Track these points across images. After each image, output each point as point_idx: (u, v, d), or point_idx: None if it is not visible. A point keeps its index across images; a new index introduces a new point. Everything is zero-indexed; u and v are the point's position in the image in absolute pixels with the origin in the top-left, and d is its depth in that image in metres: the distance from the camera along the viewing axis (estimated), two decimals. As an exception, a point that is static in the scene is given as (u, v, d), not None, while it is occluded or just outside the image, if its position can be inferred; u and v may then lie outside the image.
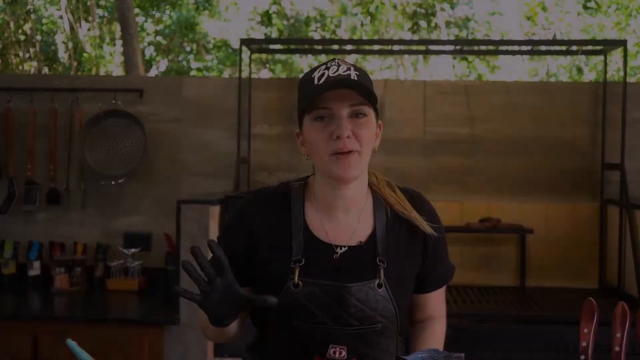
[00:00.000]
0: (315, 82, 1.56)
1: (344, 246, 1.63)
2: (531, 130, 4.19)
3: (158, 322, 3.44)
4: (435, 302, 1.81)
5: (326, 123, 1.56)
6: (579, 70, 8.93)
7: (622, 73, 4.23)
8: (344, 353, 1.60)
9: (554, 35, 9.52)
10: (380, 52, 4.90)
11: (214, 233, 3.45)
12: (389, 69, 9.57)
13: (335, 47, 4.69)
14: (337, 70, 1.56)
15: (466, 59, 9.93)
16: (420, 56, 9.50)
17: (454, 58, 9.83)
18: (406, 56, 9.72)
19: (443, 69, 9.78)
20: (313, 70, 1.61)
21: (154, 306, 3.71)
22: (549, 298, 3.85)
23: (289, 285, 1.59)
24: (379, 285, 1.60)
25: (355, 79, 1.56)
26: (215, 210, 3.48)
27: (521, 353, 3.38)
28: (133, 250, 3.99)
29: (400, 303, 1.66)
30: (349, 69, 1.57)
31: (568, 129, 4.18)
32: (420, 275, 1.73)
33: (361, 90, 1.54)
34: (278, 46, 4.78)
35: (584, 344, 1.72)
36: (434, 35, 10.29)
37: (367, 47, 4.94)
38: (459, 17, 10.13)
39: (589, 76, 8.84)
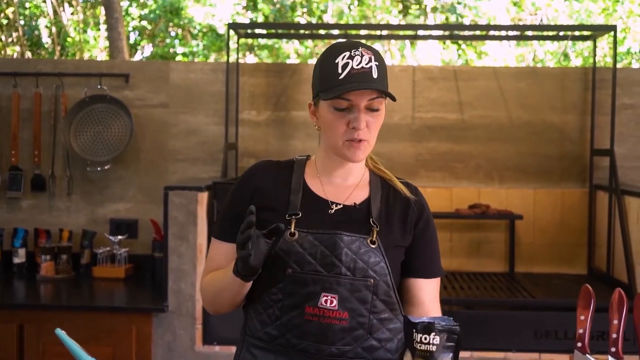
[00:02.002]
0: (339, 71, 1.64)
1: (340, 204, 1.74)
2: (520, 116, 4.18)
3: (146, 309, 3.41)
4: (428, 298, 1.81)
5: (345, 113, 1.67)
6: (566, 57, 8.91)
7: (608, 59, 4.23)
8: (334, 302, 1.64)
9: (541, 20, 9.50)
10: (367, 37, 4.86)
11: (202, 220, 3.42)
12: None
13: (323, 32, 4.65)
14: (360, 62, 1.65)
15: (457, 43, 9.86)
16: (408, 42, 9.46)
17: (443, 43, 9.78)
18: (393, 42, 9.70)
19: (431, 54, 9.73)
20: (336, 52, 1.68)
21: (141, 293, 3.68)
22: (538, 284, 3.85)
23: (286, 235, 1.67)
24: (372, 242, 1.68)
25: (376, 74, 1.65)
26: (203, 197, 3.44)
27: (510, 339, 3.38)
28: (119, 237, 3.97)
29: (393, 267, 1.71)
30: (370, 60, 1.65)
31: (557, 115, 4.17)
32: (409, 253, 1.78)
33: (381, 88, 1.65)
34: (264, 31, 4.73)
35: (580, 331, 1.71)
36: (421, 21, 10.25)
37: (354, 32, 4.90)
38: (446, 3, 10.07)
39: (576, 62, 8.84)
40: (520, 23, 9.55)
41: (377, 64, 1.67)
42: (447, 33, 4.49)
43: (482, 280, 3.95)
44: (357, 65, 1.64)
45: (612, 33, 3.94)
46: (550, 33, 4.53)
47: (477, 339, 3.38)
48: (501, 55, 9.47)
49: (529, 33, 4.71)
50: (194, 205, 3.40)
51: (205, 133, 4.18)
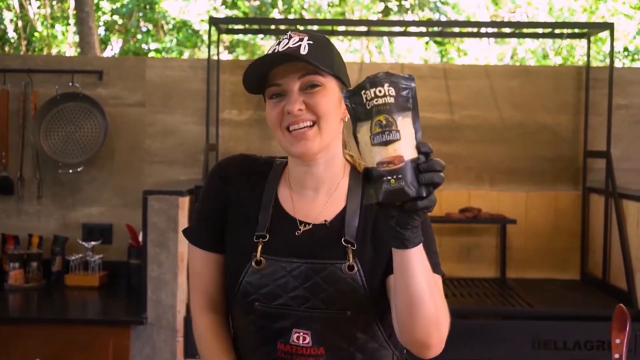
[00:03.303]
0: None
1: (309, 224, 1.55)
2: (512, 116, 4.05)
3: (123, 321, 3.21)
4: None
5: (280, 100, 1.50)
6: (545, 56, 8.81)
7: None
8: (307, 339, 1.48)
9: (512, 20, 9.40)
10: (345, 34, 4.72)
11: (183, 226, 3.22)
12: (353, 52, 9.33)
13: (308, 27, 4.47)
14: (288, 43, 1.48)
15: (439, 43, 9.72)
16: (386, 39, 9.29)
17: (432, 44, 9.62)
18: (371, 39, 9.50)
19: (410, 52, 9.58)
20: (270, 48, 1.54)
21: (118, 304, 3.50)
22: (531, 290, 3.73)
23: (252, 263, 1.51)
24: (350, 268, 1.48)
25: (305, 51, 1.47)
26: (184, 202, 3.25)
27: (508, 350, 3.24)
28: (93, 242, 3.78)
29: (375, 292, 1.51)
30: (301, 40, 1.49)
31: (550, 115, 4.05)
32: None
33: (307, 60, 1.45)
34: (247, 27, 4.54)
35: (616, 356, 1.55)
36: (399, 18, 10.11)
37: (333, 28, 4.73)
38: (427, 0, 9.94)
39: (556, 60, 8.75)
40: (498, 20, 9.45)
41: (311, 43, 1.48)
42: (437, 29, 4.33)
43: (473, 286, 3.81)
44: (282, 48, 1.48)
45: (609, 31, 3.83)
46: (545, 30, 4.38)
47: (472, 350, 3.23)
48: (482, 54, 9.35)
49: (524, 30, 4.56)
50: (175, 211, 3.20)
51: (184, 133, 4.00)
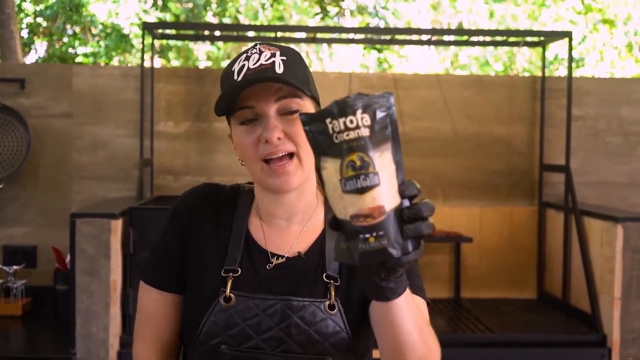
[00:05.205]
0: (235, 77, 1.31)
1: (282, 256, 1.38)
2: (466, 128, 3.90)
3: (49, 358, 2.96)
4: None
5: (253, 125, 1.32)
6: (487, 62, 8.72)
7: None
8: None
9: (459, 23, 9.30)
10: (294, 41, 4.49)
11: (116, 252, 2.94)
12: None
13: (253, 33, 4.21)
14: (259, 59, 1.31)
15: (380, 50, 9.56)
16: (325, 46, 9.06)
17: (365, 49, 9.44)
18: (306, 45, 9.27)
19: (350, 59, 9.38)
20: (233, 61, 1.35)
21: (43, 336, 3.22)
22: (488, 312, 3.58)
23: (220, 300, 1.33)
24: (331, 307, 1.31)
25: (280, 69, 1.29)
26: (117, 225, 2.96)
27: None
28: (15, 267, 3.49)
29: (358, 335, 1.33)
30: (273, 55, 1.32)
31: (504, 127, 3.90)
32: None
33: (287, 82, 1.29)
34: (188, 32, 4.26)
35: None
36: (341, 24, 9.92)
37: (270, 34, 4.51)
38: (365, 4, 9.75)
39: (497, 67, 8.68)
40: (437, 27, 9.35)
41: (284, 58, 1.31)
42: (388, 37, 4.12)
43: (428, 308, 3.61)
44: (254, 65, 1.30)
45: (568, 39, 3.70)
46: (494, 38, 4.22)
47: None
48: (423, 60, 9.21)
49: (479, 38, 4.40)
50: (107, 236, 2.91)
51: (115, 147, 3.74)
